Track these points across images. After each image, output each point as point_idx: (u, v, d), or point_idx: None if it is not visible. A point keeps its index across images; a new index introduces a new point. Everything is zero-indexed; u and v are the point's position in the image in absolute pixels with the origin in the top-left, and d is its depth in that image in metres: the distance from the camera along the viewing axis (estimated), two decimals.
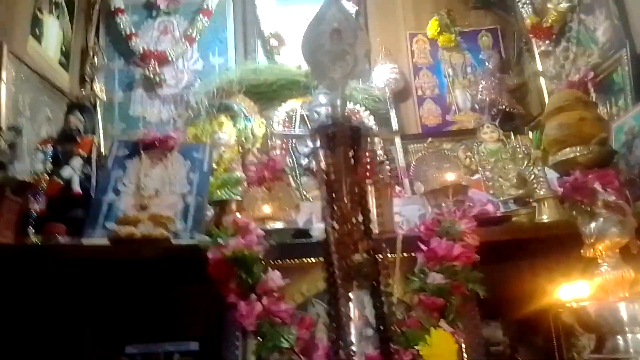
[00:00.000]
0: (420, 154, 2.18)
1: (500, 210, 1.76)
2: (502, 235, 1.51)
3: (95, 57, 2.74)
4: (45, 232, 1.59)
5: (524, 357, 1.75)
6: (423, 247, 1.34)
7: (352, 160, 0.91)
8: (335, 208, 0.88)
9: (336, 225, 0.87)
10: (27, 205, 1.59)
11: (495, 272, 1.58)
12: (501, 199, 1.91)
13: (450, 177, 1.62)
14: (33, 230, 1.58)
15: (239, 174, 2.22)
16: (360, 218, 0.88)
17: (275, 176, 1.72)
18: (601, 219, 1.19)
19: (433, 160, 1.75)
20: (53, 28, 2.47)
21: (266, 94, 2.56)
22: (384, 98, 2.65)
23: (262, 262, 1.30)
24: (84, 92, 2.66)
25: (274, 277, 1.26)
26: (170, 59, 2.74)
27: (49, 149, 1.79)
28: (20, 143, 1.63)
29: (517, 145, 2.08)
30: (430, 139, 2.12)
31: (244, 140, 2.38)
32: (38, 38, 2.31)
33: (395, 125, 2.61)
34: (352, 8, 2.83)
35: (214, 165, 2.33)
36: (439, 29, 2.85)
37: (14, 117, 1.95)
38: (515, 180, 1.89)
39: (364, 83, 2.71)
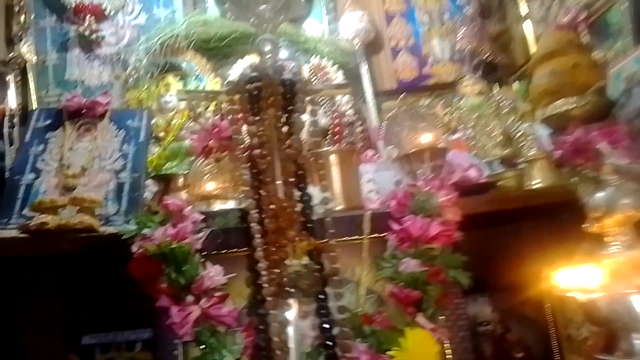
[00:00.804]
0: (391, 113, 1.93)
1: (485, 173, 1.54)
2: (487, 205, 1.29)
3: (21, 14, 2.38)
4: None
5: (517, 334, 1.59)
6: (394, 226, 1.11)
7: (286, 128, 0.65)
8: (263, 194, 0.63)
9: (265, 220, 0.63)
10: None
11: (480, 240, 1.38)
12: (485, 160, 1.69)
13: (426, 138, 1.39)
14: None
15: (190, 142, 1.96)
16: (299, 207, 0.64)
17: (223, 145, 1.44)
18: (610, 188, 0.97)
19: (406, 120, 1.50)
20: None
21: (219, 49, 2.25)
22: (354, 51, 2.37)
23: (201, 254, 1.06)
24: (11, 55, 2.34)
25: (214, 273, 1.02)
26: (107, 13, 2.39)
27: None
28: None
29: (502, 99, 1.84)
30: (403, 95, 1.86)
31: (194, 103, 2.09)
32: None
33: (367, 81, 2.36)
34: None
35: (162, 134, 2.08)
36: None
37: None
38: (500, 138, 1.68)
39: (331, 34, 2.44)
